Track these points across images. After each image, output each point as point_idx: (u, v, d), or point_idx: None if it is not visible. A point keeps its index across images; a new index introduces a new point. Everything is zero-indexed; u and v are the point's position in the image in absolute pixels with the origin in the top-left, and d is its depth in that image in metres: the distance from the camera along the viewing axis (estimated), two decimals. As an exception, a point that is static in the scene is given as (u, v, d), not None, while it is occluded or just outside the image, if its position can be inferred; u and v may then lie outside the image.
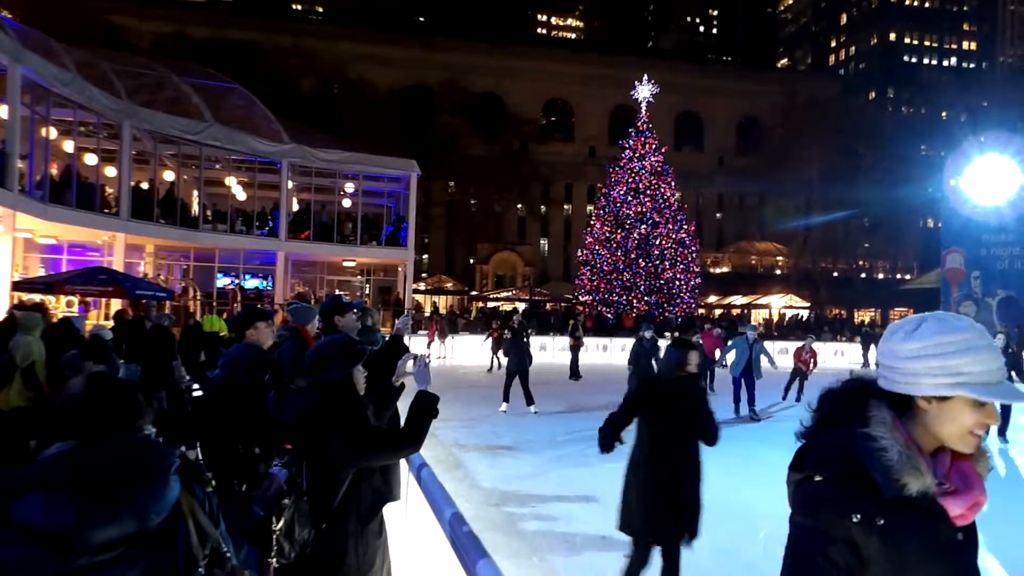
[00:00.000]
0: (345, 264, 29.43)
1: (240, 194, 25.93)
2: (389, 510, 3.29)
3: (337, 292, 27.05)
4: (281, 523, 2.54)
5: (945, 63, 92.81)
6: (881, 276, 57.84)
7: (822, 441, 1.55)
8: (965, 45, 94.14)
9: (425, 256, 54.53)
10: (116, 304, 18.33)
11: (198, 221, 23.64)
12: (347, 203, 27.74)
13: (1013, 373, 8.11)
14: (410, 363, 3.23)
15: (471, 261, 55.40)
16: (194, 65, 26.10)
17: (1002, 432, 10.94)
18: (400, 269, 28.62)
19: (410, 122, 46.14)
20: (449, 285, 49.78)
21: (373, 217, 28.62)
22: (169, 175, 24.06)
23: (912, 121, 71.54)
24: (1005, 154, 31.78)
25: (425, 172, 30.03)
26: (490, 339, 21.49)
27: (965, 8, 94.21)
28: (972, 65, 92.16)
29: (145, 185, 22.07)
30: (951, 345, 1.47)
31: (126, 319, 12.56)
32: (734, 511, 6.80)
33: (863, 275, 55.94)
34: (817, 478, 1.49)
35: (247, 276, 27.21)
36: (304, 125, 28.53)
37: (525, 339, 13.84)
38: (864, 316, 49.57)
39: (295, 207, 27.46)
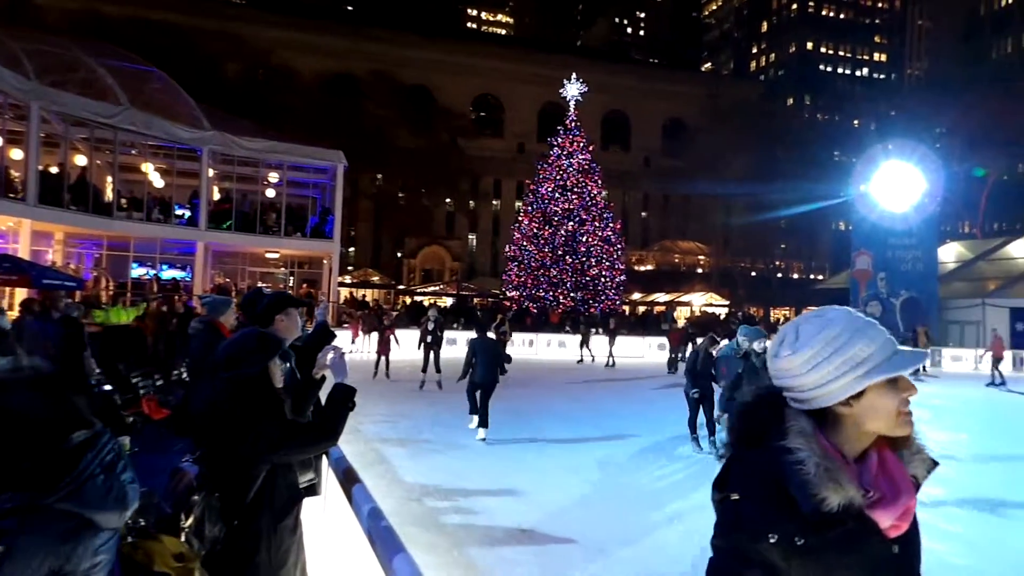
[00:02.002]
0: (268, 256, 28.75)
1: (157, 181, 25.01)
2: (307, 505, 3.26)
3: (259, 284, 26.41)
4: (190, 520, 2.48)
5: (858, 73, 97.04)
6: (796, 276, 60.18)
7: (739, 458, 1.45)
8: (876, 56, 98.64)
9: (351, 249, 53.73)
10: (21, 294, 17.43)
11: (112, 208, 22.66)
12: (271, 193, 27.12)
13: None
14: (329, 355, 3.19)
15: (398, 255, 54.94)
16: (110, 46, 24.97)
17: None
18: (325, 262, 28.16)
19: (337, 112, 45.31)
20: (376, 279, 49.25)
21: (298, 208, 28.02)
22: (81, 159, 22.97)
23: (827, 127, 74.51)
24: (910, 162, 33.54)
25: (352, 164, 29.60)
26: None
27: (877, 21, 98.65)
28: (882, 76, 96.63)
29: (55, 169, 21.01)
30: (837, 339, 1.39)
31: (33, 309, 11.95)
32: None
33: (779, 275, 58.13)
34: (734, 497, 1.39)
35: (164, 266, 26.28)
36: (227, 112, 27.70)
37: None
38: (780, 314, 51.45)
39: (216, 196, 26.65)
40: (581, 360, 24.28)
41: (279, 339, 2.94)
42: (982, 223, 53.17)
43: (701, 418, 10.05)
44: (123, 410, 8.50)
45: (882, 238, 33.49)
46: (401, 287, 50.88)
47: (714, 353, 9.87)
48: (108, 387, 9.09)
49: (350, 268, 50.32)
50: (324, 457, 3.82)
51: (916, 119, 54.60)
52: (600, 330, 27.37)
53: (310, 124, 37.31)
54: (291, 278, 30.70)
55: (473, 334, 11.49)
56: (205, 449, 2.73)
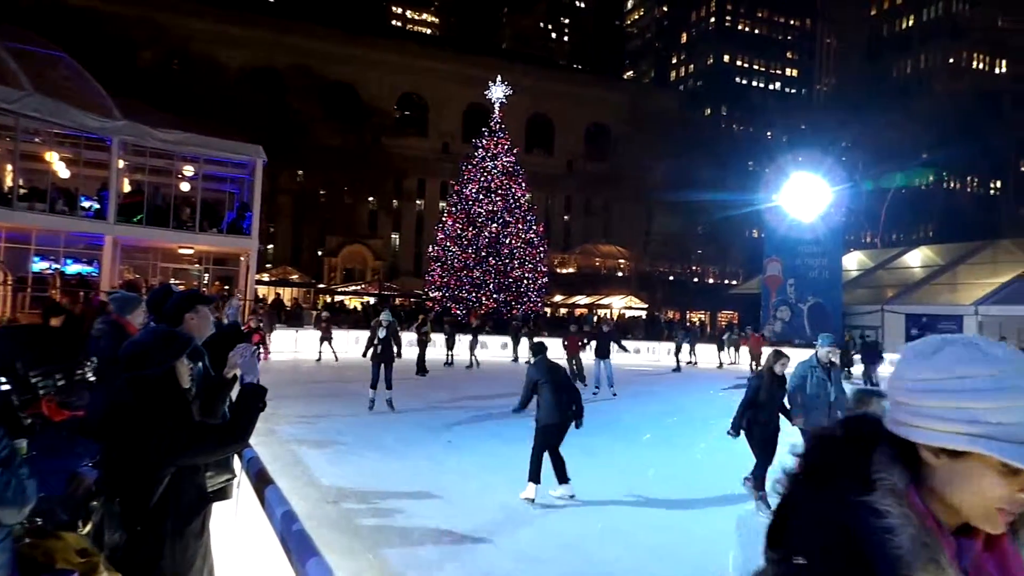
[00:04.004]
0: (181, 251, 27.73)
1: (63, 171, 23.76)
2: (217, 509, 3.18)
3: (172, 281, 25.47)
4: (88, 527, 2.38)
5: (771, 87, 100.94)
6: (712, 281, 62.10)
7: (807, 508, 1.13)
8: (788, 72, 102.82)
9: (270, 246, 52.43)
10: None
11: (11, 198, 21.42)
12: (185, 187, 26.15)
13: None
14: (240, 354, 3.11)
15: (319, 253, 53.93)
16: (15, 28, 23.62)
17: None
18: (242, 259, 27.37)
19: (258, 107, 44.15)
20: (295, 277, 48.15)
21: (214, 203, 27.14)
22: (-24, 146, 21.65)
23: (742, 138, 77.25)
24: (818, 173, 35.17)
25: (272, 159, 28.90)
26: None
27: (789, 38, 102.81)
28: (794, 90, 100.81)
29: (-54, 156, 19.74)
30: (972, 380, 1.07)
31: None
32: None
33: (696, 279, 59.93)
34: (799, 561, 1.09)
35: (69, 260, 25.00)
36: (141, 103, 26.59)
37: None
38: (695, 317, 52.94)
39: (126, 188, 25.55)
40: (516, 359, 25.15)
41: (187, 338, 2.85)
42: (882, 234, 56.14)
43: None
44: (20, 411, 8.05)
45: (791, 246, 34.99)
46: (322, 286, 49.96)
47: (784, 373, 7.51)
48: (4, 387, 8.59)
49: (268, 266, 49.12)
50: (236, 458, 3.73)
51: (824, 133, 57.19)
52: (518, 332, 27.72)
53: (229, 117, 36.19)
54: (206, 275, 29.72)
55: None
56: (106, 453, 2.63)
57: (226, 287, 27.70)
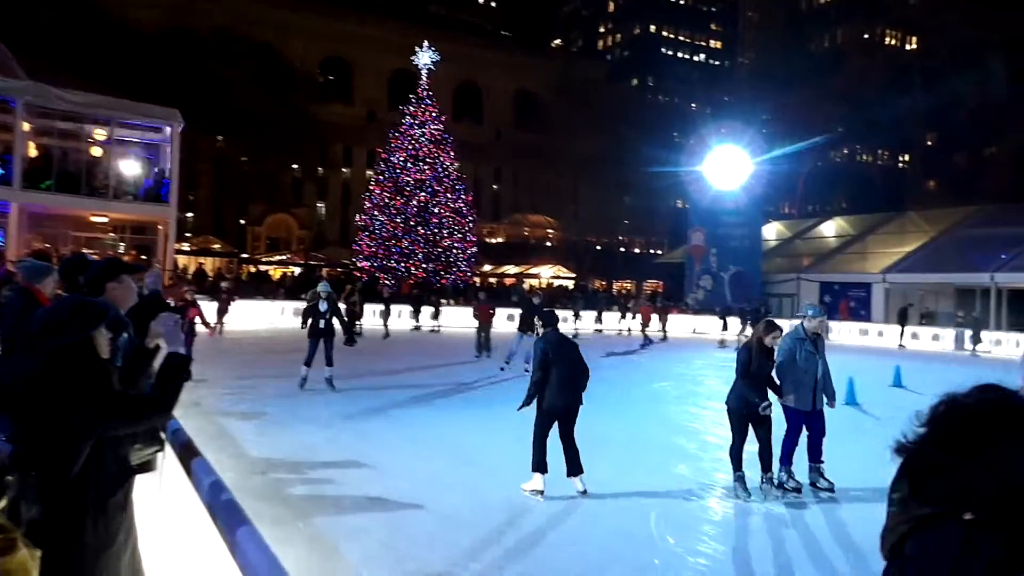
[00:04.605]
0: (94, 219, 26.51)
1: (-40, 134, 22.37)
2: (141, 482, 3.12)
3: (84, 251, 24.34)
4: (3, 502, 2.30)
5: (696, 58, 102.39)
6: (638, 251, 63.23)
7: (958, 470, 1.19)
8: (712, 43, 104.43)
9: (189, 215, 50.58)
10: None
11: (-97, 163, 20.05)
12: (97, 152, 24.96)
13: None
14: (162, 323, 3.03)
15: (242, 222, 52.40)
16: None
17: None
18: (160, 228, 26.41)
19: (175, 69, 42.24)
20: (217, 246, 46.70)
21: (129, 169, 26.04)
22: None
23: (668, 109, 78.32)
24: (739, 145, 36.10)
25: (191, 124, 27.83)
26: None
27: (713, 9, 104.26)
28: (717, 63, 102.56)
29: None
30: None
31: None
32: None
33: (622, 249, 60.94)
34: (967, 516, 1.14)
35: (-31, 230, 23.62)
36: (48, 63, 25.14)
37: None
38: (621, 287, 53.92)
39: (33, 153, 24.20)
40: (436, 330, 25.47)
41: (104, 307, 2.75)
42: (800, 205, 58.20)
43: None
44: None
45: (714, 216, 35.93)
46: (245, 256, 48.66)
47: (773, 345, 6.93)
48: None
49: (189, 235, 47.45)
50: (161, 431, 3.65)
51: (745, 105, 58.59)
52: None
53: (144, 81, 34.57)
54: (121, 244, 28.54)
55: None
56: (19, 426, 2.54)
57: (143, 257, 26.70)
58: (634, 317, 28.57)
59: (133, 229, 28.50)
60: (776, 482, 6.82)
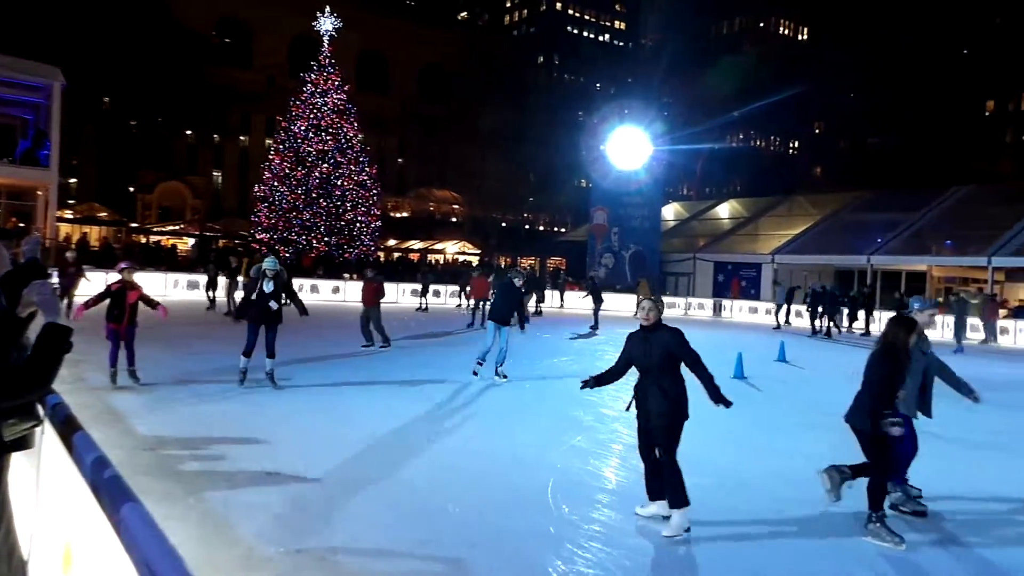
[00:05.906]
0: (-38, 184, 24.64)
1: None
2: (17, 460, 2.99)
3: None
4: None
5: (600, 38, 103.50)
6: (542, 228, 63.97)
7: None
8: (617, 24, 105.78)
9: (72, 180, 47.54)
10: None
11: None
12: (-34, 110, 23.13)
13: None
14: (36, 291, 2.85)
15: (131, 189, 49.70)
16: None
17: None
18: (40, 193, 24.78)
19: (56, 25, 39.40)
20: (103, 215, 44.13)
21: (4, 129, 24.27)
22: None
23: (572, 88, 79.18)
24: (641, 126, 36.94)
25: (74, 84, 26.15)
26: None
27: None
28: (622, 43, 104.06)
29: None
30: None
31: None
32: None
33: (527, 226, 61.51)
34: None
35: None
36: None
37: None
38: (525, 263, 54.50)
39: None
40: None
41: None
42: (697, 186, 60.26)
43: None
44: None
45: (616, 196, 36.73)
46: (135, 225, 46.24)
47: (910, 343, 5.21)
48: None
49: (72, 202, 44.65)
50: (39, 406, 3.49)
51: (648, 87, 59.96)
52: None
53: (22, 35, 32.14)
54: (-5, 211, 26.62)
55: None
56: None
57: (21, 224, 25.02)
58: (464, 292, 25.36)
59: (10, 194, 26.64)
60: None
